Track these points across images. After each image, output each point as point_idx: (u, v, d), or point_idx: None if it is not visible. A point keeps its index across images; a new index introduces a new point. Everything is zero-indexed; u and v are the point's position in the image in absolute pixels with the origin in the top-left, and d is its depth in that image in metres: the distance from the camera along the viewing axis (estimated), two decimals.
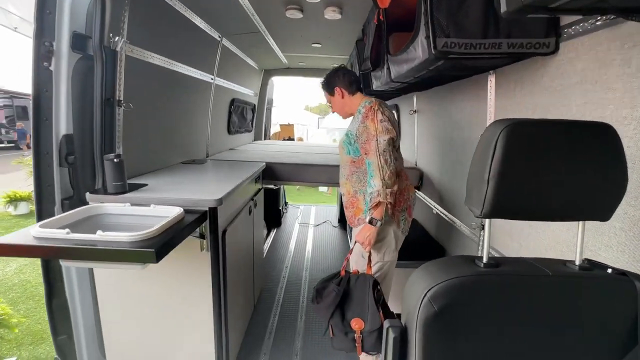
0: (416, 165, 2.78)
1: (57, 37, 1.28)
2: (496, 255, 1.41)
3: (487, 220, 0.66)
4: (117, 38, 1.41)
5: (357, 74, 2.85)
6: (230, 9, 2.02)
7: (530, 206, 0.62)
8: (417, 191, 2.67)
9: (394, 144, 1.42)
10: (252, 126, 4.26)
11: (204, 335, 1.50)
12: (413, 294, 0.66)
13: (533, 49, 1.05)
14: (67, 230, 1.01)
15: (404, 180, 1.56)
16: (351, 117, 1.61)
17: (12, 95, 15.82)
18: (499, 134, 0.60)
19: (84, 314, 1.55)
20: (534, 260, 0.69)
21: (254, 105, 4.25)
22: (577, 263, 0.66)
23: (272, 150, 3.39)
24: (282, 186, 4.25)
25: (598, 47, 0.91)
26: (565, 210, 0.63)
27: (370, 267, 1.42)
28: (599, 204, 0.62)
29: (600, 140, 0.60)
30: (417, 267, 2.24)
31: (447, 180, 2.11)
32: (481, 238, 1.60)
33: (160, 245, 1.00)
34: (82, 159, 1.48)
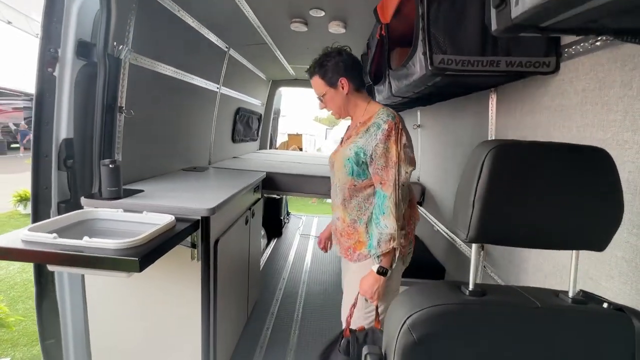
0: (419, 180, 2.74)
1: (62, 44, 1.31)
2: (495, 277, 1.35)
3: (474, 246, 0.63)
4: (121, 46, 1.44)
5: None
6: (237, 21, 2.06)
7: (518, 232, 0.59)
8: (419, 207, 2.62)
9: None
10: (257, 135, 4.29)
11: (192, 346, 1.46)
12: (393, 321, 0.63)
13: (533, 68, 1.02)
14: (54, 235, 1.01)
15: (415, 208, 1.35)
16: (348, 120, 1.35)
17: (31, 97, 16.40)
18: (486, 155, 0.57)
19: (74, 318, 1.54)
20: (523, 289, 0.65)
21: (261, 114, 4.29)
22: (570, 295, 0.61)
23: (275, 160, 3.39)
24: (284, 196, 4.24)
25: (599, 68, 0.88)
26: (556, 238, 0.59)
27: (379, 320, 1.19)
28: (593, 232, 0.59)
29: (594, 165, 0.57)
30: (412, 284, 2.18)
31: (448, 198, 2.06)
32: (480, 268, 1.55)
33: (144, 254, 0.99)
34: (81, 163, 1.49)
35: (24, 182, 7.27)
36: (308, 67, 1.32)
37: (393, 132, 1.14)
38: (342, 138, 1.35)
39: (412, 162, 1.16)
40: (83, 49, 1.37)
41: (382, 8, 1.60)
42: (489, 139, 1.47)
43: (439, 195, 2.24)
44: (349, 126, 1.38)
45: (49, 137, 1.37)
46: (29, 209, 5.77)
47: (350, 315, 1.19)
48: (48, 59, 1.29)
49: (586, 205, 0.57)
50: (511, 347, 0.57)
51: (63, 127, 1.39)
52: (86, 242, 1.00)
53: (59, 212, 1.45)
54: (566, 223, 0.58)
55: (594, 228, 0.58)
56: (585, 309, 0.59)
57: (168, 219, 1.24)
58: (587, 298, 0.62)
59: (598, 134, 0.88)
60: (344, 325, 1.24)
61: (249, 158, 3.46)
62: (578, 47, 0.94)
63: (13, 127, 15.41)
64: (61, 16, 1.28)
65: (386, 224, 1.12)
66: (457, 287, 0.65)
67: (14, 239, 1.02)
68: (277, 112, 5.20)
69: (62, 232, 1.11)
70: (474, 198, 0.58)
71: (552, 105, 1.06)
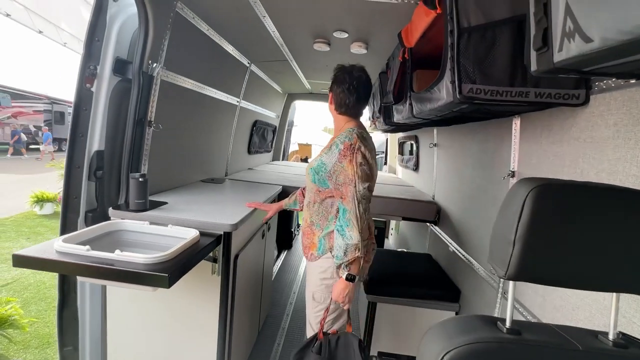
0: (433, 198, 2.72)
1: (101, 62, 1.38)
2: (523, 312, 1.32)
3: (511, 283, 0.63)
4: (155, 64, 1.51)
5: (379, 105, 2.90)
6: (261, 38, 2.13)
7: (558, 273, 0.59)
8: (434, 226, 2.60)
9: (371, 188, 1.31)
10: (271, 147, 4.35)
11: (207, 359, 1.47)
12: (430, 353, 0.63)
13: (562, 100, 1.03)
14: (87, 247, 1.04)
15: (371, 227, 1.46)
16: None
17: (52, 101, 17.03)
18: (527, 195, 0.58)
19: (92, 327, 1.56)
20: (561, 328, 0.64)
21: (275, 127, 4.36)
22: (610, 338, 0.61)
23: (290, 172, 3.43)
24: None
25: (631, 104, 0.88)
26: (598, 280, 0.59)
27: (350, 324, 1.37)
28: (635, 275, 0.58)
29: (636, 208, 0.57)
30: (428, 306, 2.13)
31: (465, 219, 2.05)
32: (500, 295, 1.52)
33: (173, 271, 1.01)
34: (109, 174, 1.54)
35: (41, 183, 7.48)
36: (328, 86, 1.52)
37: (348, 152, 1.27)
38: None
39: (368, 179, 1.29)
40: (120, 66, 1.44)
41: (406, 33, 1.63)
42: (512, 164, 1.46)
43: (456, 216, 2.22)
44: None
45: (82, 149, 1.42)
46: (45, 210, 5.90)
47: (324, 319, 1.33)
48: (87, 75, 1.35)
49: (629, 247, 0.57)
50: None
51: (96, 140, 1.45)
52: (117, 255, 1.03)
53: (86, 221, 1.49)
54: (607, 265, 0.58)
55: (636, 271, 0.58)
56: (628, 353, 0.58)
57: (193, 233, 1.27)
58: (627, 341, 0.61)
59: (632, 170, 0.88)
60: (310, 327, 1.42)
61: (263, 170, 3.50)
62: (609, 81, 0.95)
63: (33, 129, 15.93)
64: (102, 35, 1.35)
65: (351, 235, 1.23)
66: (492, 322, 0.65)
67: (48, 249, 1.05)
68: (291, 124, 5.27)
69: (92, 242, 1.15)
70: (515, 237, 0.58)
71: (581, 136, 1.06)
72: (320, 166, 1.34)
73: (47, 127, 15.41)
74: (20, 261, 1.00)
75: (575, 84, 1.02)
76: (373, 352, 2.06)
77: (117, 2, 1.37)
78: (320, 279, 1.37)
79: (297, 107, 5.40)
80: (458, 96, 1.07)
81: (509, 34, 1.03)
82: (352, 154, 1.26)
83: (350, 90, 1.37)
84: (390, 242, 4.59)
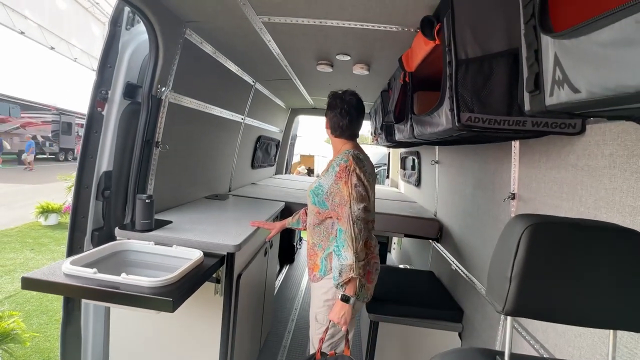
0: (435, 215, 2.73)
1: (112, 87, 1.43)
2: (524, 342, 1.32)
3: (509, 318, 0.64)
4: (163, 88, 1.56)
5: (381, 122, 2.95)
6: (266, 60, 2.19)
7: (554, 310, 0.60)
8: (436, 243, 2.60)
9: (367, 209, 1.30)
10: (274, 161, 4.40)
11: None
12: None
13: (558, 129, 1.06)
14: (94, 270, 1.06)
15: (372, 247, 1.46)
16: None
17: (60, 112, 17.36)
18: (522, 232, 0.60)
19: (94, 345, 1.57)
20: None
21: (279, 141, 4.42)
22: None
23: (293, 187, 3.46)
24: None
25: (626, 136, 0.90)
26: (594, 317, 0.60)
27: (349, 347, 1.35)
28: (631, 313, 0.59)
29: (630, 247, 0.59)
30: (430, 326, 2.11)
31: (467, 238, 2.05)
32: (502, 317, 1.51)
33: (177, 295, 1.02)
34: (116, 193, 1.58)
35: (47, 194, 7.56)
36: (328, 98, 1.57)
37: (343, 174, 1.31)
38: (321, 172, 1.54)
39: (363, 199, 1.30)
40: (130, 90, 1.49)
41: (406, 58, 1.68)
42: (512, 186, 1.48)
43: (458, 234, 2.22)
44: None
45: (92, 170, 1.46)
46: (50, 221, 5.95)
47: (322, 340, 1.33)
48: (99, 99, 1.40)
49: (626, 286, 0.58)
50: None
51: (105, 161, 1.49)
52: (123, 278, 1.05)
53: (92, 240, 1.52)
54: (604, 302, 0.59)
55: (632, 309, 0.59)
56: None
57: (197, 254, 1.29)
58: None
59: (628, 200, 0.89)
60: (312, 348, 1.43)
61: (266, 185, 3.54)
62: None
63: (41, 140, 16.18)
64: (114, 61, 1.41)
65: (345, 255, 1.24)
66: (492, 356, 0.66)
67: (56, 271, 1.08)
68: (294, 138, 5.33)
69: (99, 264, 1.17)
70: (511, 274, 0.60)
71: (579, 164, 1.08)
72: (319, 188, 1.39)
73: (54, 135, 15.58)
74: (29, 284, 1.02)
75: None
76: None
77: (129, 31, 1.43)
78: (323, 300, 1.38)
79: (300, 119, 5.48)
80: (457, 124, 1.10)
81: (505, 66, 1.07)
82: (348, 175, 1.30)
83: (342, 114, 1.44)
84: (393, 257, 4.57)
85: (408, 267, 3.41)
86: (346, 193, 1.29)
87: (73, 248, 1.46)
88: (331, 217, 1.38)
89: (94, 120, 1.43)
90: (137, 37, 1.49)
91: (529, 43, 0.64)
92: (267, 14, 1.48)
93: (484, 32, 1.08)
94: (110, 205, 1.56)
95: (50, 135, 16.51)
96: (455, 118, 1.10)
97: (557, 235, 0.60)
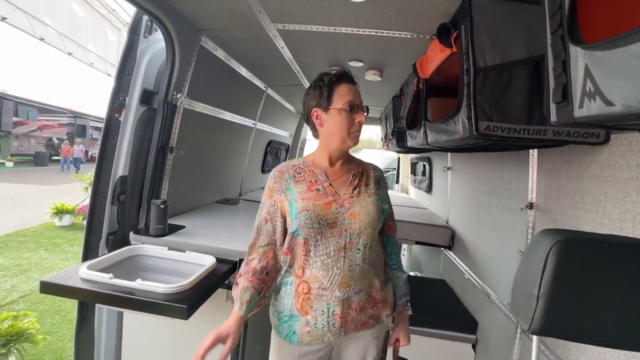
0: (447, 223, 2.69)
1: (130, 93, 1.46)
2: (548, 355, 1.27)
3: (535, 337, 0.62)
4: (179, 95, 1.58)
5: (392, 127, 2.93)
6: (279, 66, 2.21)
7: (583, 330, 0.58)
8: (448, 251, 2.56)
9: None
10: None
11: None
12: None
13: (581, 138, 1.03)
14: (110, 275, 1.07)
15: None
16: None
17: (76, 115, 17.84)
18: (550, 249, 0.58)
19: (107, 349, 1.59)
20: None
21: (288, 145, 4.44)
22: None
23: None
24: None
25: None
26: (627, 338, 0.57)
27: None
28: None
29: None
30: (444, 337, 2.05)
31: (481, 246, 2.01)
32: (519, 330, 1.47)
33: (192, 301, 1.03)
34: (130, 198, 1.60)
35: (61, 195, 7.74)
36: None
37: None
38: (325, 186, 1.08)
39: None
40: (146, 96, 1.52)
41: (421, 64, 1.67)
42: (530, 196, 1.45)
43: (471, 242, 2.18)
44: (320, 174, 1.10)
45: (108, 175, 1.49)
46: (64, 222, 6.08)
47: None
48: (117, 105, 1.43)
49: None
50: None
51: (121, 166, 1.52)
52: (138, 284, 1.06)
53: (107, 244, 1.54)
54: (634, 323, 0.56)
55: None
56: None
57: (210, 260, 1.29)
58: None
59: None
60: None
61: None
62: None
63: (56, 142, 16.65)
64: (132, 69, 1.44)
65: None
66: None
67: (73, 275, 1.09)
68: (303, 142, 5.35)
69: (114, 268, 1.18)
70: (539, 292, 0.58)
71: (602, 174, 1.05)
72: (385, 205, 1.16)
73: (69, 138, 16.06)
74: (47, 288, 1.04)
75: None
76: None
77: (147, 39, 1.46)
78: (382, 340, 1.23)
79: None
80: (475, 132, 1.08)
81: (525, 74, 1.05)
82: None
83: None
84: (403, 265, 4.51)
85: (418, 274, 3.36)
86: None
87: (88, 251, 1.49)
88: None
89: (111, 126, 1.46)
90: (154, 45, 1.51)
91: (557, 53, 0.63)
92: (281, 22, 1.49)
93: (503, 39, 1.06)
94: (125, 210, 1.58)
95: (65, 137, 16.97)
96: (473, 127, 1.08)
97: (587, 253, 0.57)
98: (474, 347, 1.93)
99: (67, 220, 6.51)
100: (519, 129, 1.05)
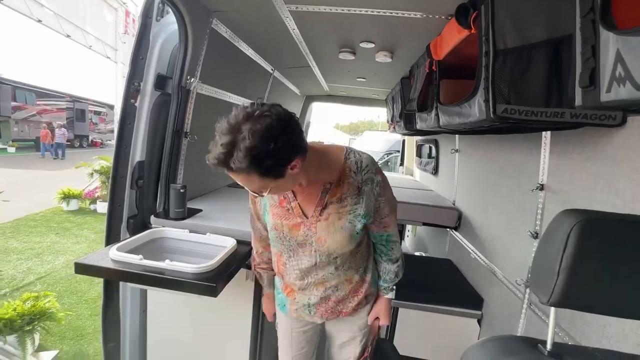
0: (454, 204, 2.73)
1: (144, 79, 1.46)
2: (544, 319, 1.35)
3: (552, 309, 0.66)
4: (192, 79, 1.58)
5: (399, 109, 2.92)
6: (288, 48, 2.18)
7: (601, 302, 0.62)
8: (454, 231, 2.62)
9: None
10: None
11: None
12: None
13: (598, 120, 1.04)
14: (140, 256, 1.12)
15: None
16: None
17: (74, 99, 17.62)
18: (572, 228, 0.61)
19: (132, 325, 1.67)
20: (601, 353, 0.67)
21: None
22: None
23: None
24: None
25: None
26: (637, 308, 0.62)
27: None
28: None
29: None
30: (450, 313, 2.14)
31: (489, 227, 2.06)
32: (525, 306, 1.54)
33: (219, 280, 1.08)
34: (148, 183, 1.63)
35: (65, 180, 7.80)
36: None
37: (384, 182, 1.03)
38: (293, 206, 1.00)
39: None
40: (160, 81, 1.52)
41: (435, 46, 1.65)
42: (541, 177, 1.47)
43: (478, 223, 2.23)
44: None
45: (126, 160, 1.51)
46: (71, 206, 6.17)
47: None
48: (132, 91, 1.44)
49: None
50: None
51: (138, 151, 1.54)
52: (167, 264, 1.11)
53: (128, 227, 1.59)
54: None
55: None
56: None
57: (231, 242, 1.34)
58: None
59: None
60: None
61: None
62: None
63: (56, 126, 16.52)
64: (146, 53, 1.43)
65: (400, 252, 1.21)
66: (533, 345, 0.69)
67: (104, 257, 1.14)
68: (308, 126, 5.32)
69: (140, 250, 1.23)
70: (559, 268, 0.62)
71: (617, 156, 1.07)
72: (359, 218, 1.03)
73: (69, 122, 15.84)
74: (81, 268, 1.09)
75: None
76: None
77: (159, 22, 1.44)
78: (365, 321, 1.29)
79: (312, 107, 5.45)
80: (492, 115, 1.10)
81: (545, 56, 1.04)
82: (383, 177, 1.10)
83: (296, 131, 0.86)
84: (407, 245, 4.60)
85: (423, 254, 3.45)
86: (393, 199, 1.11)
87: (111, 235, 1.54)
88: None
89: (128, 112, 1.47)
90: (167, 28, 1.50)
91: (586, 38, 0.63)
92: (295, 2, 1.46)
93: (524, 20, 1.05)
94: (143, 194, 1.62)
95: (65, 122, 16.84)
96: (491, 109, 1.10)
97: (608, 232, 0.61)
98: (479, 322, 2.02)
99: (74, 204, 6.61)
100: (537, 111, 1.06)
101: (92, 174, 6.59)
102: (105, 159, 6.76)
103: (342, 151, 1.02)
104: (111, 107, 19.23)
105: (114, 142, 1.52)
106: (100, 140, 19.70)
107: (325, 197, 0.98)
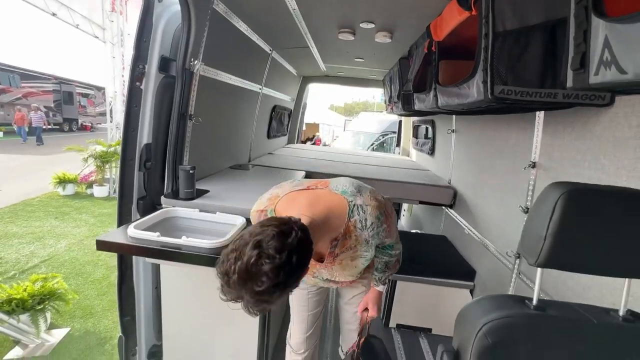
0: (450, 183, 2.83)
1: (149, 61, 1.47)
2: (531, 285, 1.47)
3: (539, 269, 0.75)
4: (195, 61, 1.59)
5: (397, 90, 2.94)
6: (287, 28, 2.17)
7: (581, 262, 0.71)
8: (449, 209, 2.73)
9: None
10: (287, 130, 4.44)
11: (247, 335, 1.65)
12: (468, 325, 0.77)
13: (588, 100, 1.10)
14: (157, 233, 1.19)
15: None
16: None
17: (60, 81, 17.02)
18: (559, 197, 0.69)
19: (146, 300, 1.76)
20: (579, 306, 0.77)
21: (291, 110, 4.42)
22: (620, 314, 0.74)
23: (308, 157, 3.54)
24: None
25: None
26: (616, 267, 0.71)
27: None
28: None
29: None
30: (444, 285, 2.28)
31: (483, 204, 2.16)
32: (514, 275, 1.66)
33: None
34: (155, 164, 1.68)
35: (58, 164, 7.71)
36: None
37: (383, 216, 1.05)
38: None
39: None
40: (164, 64, 1.53)
41: (435, 26, 1.67)
42: (533, 156, 1.55)
43: (473, 200, 2.33)
44: None
45: (134, 143, 1.55)
46: (67, 191, 6.16)
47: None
48: (137, 74, 1.45)
49: None
50: (569, 356, 0.71)
51: (145, 134, 1.57)
52: (184, 241, 1.18)
53: (138, 208, 1.64)
54: (624, 256, 0.70)
55: None
56: (634, 327, 0.71)
57: (241, 220, 1.41)
58: (634, 317, 0.74)
59: None
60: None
61: (283, 154, 3.62)
62: None
63: (44, 110, 16.05)
64: (149, 36, 1.44)
65: (398, 247, 1.25)
66: (521, 301, 0.78)
67: (122, 235, 1.21)
68: (304, 107, 5.30)
69: (155, 228, 1.30)
70: (546, 233, 0.70)
71: (604, 134, 1.15)
72: (366, 259, 1.16)
73: (57, 106, 15.33)
74: (103, 245, 1.16)
75: None
76: (392, 324, 2.26)
77: (161, 2, 1.44)
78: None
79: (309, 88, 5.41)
80: (490, 96, 1.15)
81: (541, 38, 1.09)
82: (384, 213, 1.12)
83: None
84: (403, 224, 4.75)
85: (419, 232, 3.58)
86: (394, 226, 1.15)
87: (122, 215, 1.59)
88: None
89: (134, 95, 1.49)
90: (169, 9, 1.49)
91: (579, 23, 0.69)
92: None
93: (523, 3, 1.09)
94: (151, 176, 1.67)
95: (52, 105, 16.35)
96: (489, 90, 1.15)
97: (590, 201, 0.69)
98: (471, 292, 2.17)
99: (70, 189, 6.58)
100: (532, 92, 1.12)
101: (86, 158, 6.52)
102: (100, 144, 6.68)
103: (345, 208, 1.01)
104: (99, 89, 18.65)
105: (104, 125, 1.54)
106: (90, 124, 19.23)
107: (335, 250, 1.08)
